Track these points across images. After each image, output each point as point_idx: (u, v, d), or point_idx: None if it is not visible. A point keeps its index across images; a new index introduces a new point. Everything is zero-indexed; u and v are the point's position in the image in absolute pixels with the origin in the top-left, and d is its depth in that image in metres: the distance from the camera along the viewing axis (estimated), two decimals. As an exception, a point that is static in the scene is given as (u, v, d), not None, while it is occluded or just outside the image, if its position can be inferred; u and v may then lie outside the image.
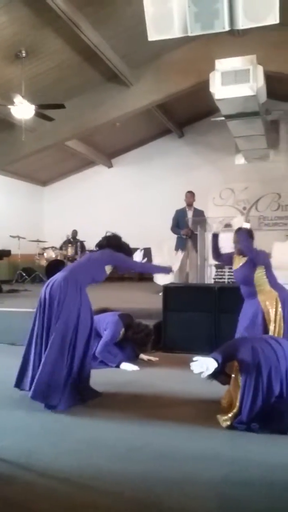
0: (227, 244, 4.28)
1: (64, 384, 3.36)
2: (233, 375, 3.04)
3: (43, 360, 3.35)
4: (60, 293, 3.39)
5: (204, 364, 2.88)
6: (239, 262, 4.18)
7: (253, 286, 4.05)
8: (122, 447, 2.73)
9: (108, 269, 3.70)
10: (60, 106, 7.35)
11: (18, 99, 7.01)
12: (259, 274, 4.03)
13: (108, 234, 3.89)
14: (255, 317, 3.99)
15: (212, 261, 6.27)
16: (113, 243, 3.80)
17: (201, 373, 2.89)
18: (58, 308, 3.37)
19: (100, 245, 3.84)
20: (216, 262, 5.38)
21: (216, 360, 2.90)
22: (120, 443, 2.78)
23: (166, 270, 4.01)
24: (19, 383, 3.54)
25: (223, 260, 4.56)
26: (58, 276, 3.51)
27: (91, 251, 4.37)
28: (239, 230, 4.17)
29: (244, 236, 4.11)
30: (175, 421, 3.15)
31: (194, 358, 2.93)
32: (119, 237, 3.88)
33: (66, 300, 3.38)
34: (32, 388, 3.32)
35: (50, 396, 3.30)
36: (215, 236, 4.49)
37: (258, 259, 4.02)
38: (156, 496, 2.19)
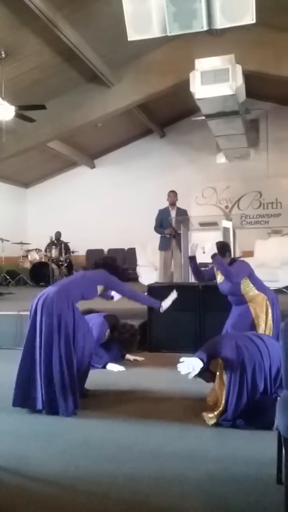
0: (208, 244, 4.27)
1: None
2: (217, 373, 3.06)
3: (64, 381, 3.28)
4: (54, 307, 3.34)
5: (190, 365, 2.91)
6: (222, 275, 4.19)
7: (240, 294, 4.10)
8: (110, 447, 2.74)
9: (99, 289, 3.73)
10: (41, 107, 7.32)
11: (-2, 100, 6.96)
12: (245, 283, 4.08)
13: (106, 254, 3.96)
14: (244, 320, 4.04)
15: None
16: (109, 264, 3.88)
17: (188, 373, 2.92)
18: (55, 324, 3.32)
19: (97, 264, 3.91)
20: (202, 263, 5.35)
21: (202, 360, 2.94)
22: (108, 444, 2.79)
23: (156, 304, 3.91)
24: (22, 402, 3.37)
25: (206, 278, 4.54)
26: (50, 290, 3.48)
27: (84, 268, 4.39)
28: (214, 256, 4.08)
29: (219, 262, 4.06)
30: (162, 420, 3.17)
31: (181, 359, 2.96)
32: (115, 259, 3.99)
33: (63, 315, 3.34)
34: (69, 407, 3.26)
35: (77, 404, 3.31)
36: (192, 259, 4.45)
37: (238, 278, 4.04)
38: (144, 496, 2.21)
